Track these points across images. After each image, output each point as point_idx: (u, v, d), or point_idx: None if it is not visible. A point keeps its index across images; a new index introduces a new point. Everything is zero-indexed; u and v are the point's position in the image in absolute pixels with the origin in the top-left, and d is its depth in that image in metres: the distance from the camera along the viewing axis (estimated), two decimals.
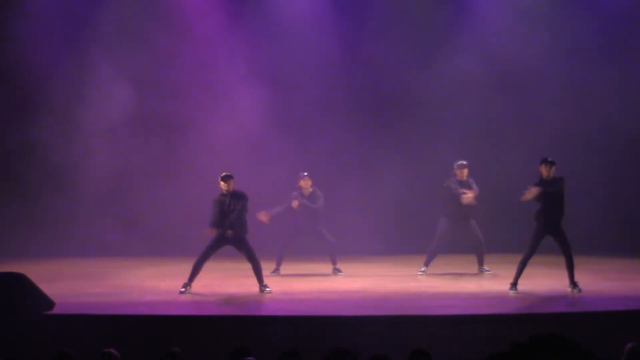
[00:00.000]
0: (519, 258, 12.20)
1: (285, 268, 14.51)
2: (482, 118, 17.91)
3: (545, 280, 13.10)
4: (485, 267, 14.41)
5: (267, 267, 14.54)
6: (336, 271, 14.55)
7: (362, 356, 6.60)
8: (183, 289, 12.27)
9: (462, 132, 17.82)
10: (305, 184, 14.52)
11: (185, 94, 17.86)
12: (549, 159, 12.46)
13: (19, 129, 17.56)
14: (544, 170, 12.42)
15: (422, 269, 14.32)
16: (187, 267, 13.12)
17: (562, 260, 12.19)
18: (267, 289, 12.23)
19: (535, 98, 18.00)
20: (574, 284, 12.11)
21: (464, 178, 14.23)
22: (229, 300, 11.77)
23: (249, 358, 6.84)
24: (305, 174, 14.56)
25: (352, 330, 9.71)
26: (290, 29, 18.02)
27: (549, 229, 12.21)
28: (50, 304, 10.28)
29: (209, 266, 12.53)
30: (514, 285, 12.19)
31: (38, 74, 17.52)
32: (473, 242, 14.39)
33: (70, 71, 17.56)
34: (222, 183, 12.35)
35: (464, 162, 14.30)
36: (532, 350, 3.30)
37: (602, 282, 13.12)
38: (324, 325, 9.90)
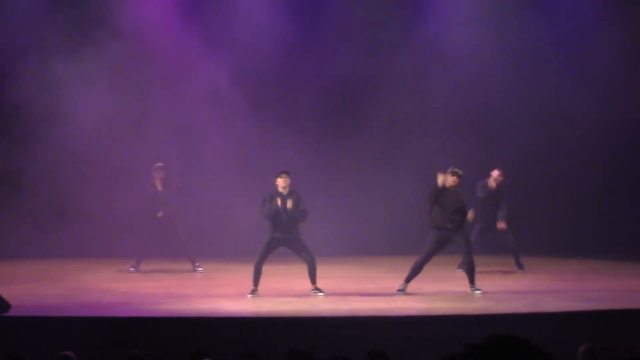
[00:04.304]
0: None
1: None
2: (449, 116, 17.85)
3: (501, 281, 13.24)
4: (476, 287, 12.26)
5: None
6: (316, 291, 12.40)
7: (319, 357, 6.63)
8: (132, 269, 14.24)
9: (434, 128, 17.67)
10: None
11: (148, 93, 17.70)
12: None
13: None
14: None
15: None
16: (145, 268, 13.09)
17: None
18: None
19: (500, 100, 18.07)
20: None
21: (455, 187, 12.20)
22: (188, 301, 11.73)
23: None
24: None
25: (309, 331, 9.75)
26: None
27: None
28: (6, 306, 10.19)
29: (169, 269, 12.49)
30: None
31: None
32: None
33: (30, 75, 17.37)
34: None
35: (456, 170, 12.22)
36: (487, 350, 3.34)
37: (559, 282, 13.26)
38: (282, 327, 9.93)
